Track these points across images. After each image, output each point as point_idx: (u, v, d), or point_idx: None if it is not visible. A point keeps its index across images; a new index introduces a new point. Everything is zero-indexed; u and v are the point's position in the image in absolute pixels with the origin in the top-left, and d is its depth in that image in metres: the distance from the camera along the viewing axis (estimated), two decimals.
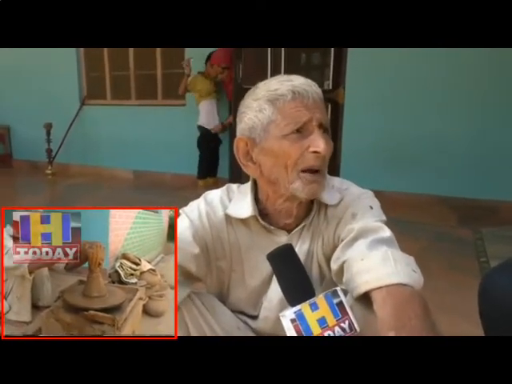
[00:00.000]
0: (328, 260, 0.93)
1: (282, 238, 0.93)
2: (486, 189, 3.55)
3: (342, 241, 0.88)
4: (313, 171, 0.86)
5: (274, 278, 0.92)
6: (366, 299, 0.78)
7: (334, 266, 0.88)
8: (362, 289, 0.78)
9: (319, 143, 0.83)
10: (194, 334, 0.94)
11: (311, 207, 0.95)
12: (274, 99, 0.85)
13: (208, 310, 0.97)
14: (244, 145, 0.90)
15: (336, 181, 0.97)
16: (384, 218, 0.92)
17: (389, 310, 0.72)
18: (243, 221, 0.94)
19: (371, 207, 0.91)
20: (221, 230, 0.95)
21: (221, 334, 0.96)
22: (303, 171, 0.86)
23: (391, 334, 0.68)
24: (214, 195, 0.98)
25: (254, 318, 1.02)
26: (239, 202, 0.95)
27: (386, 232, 0.87)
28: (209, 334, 0.95)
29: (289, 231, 0.94)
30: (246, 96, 0.92)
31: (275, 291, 0.93)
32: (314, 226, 0.95)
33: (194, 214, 0.94)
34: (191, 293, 0.95)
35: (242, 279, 0.98)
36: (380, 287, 0.76)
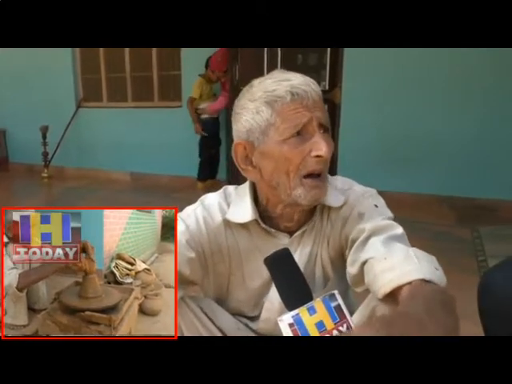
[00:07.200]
0: (333, 261, 0.92)
1: (284, 241, 0.92)
2: (484, 188, 3.56)
3: (353, 241, 0.86)
4: (315, 176, 0.83)
5: None
6: (391, 299, 0.74)
7: (352, 269, 0.84)
8: (388, 288, 0.74)
9: (321, 146, 0.80)
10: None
11: (313, 210, 0.93)
12: (272, 101, 0.81)
13: (205, 314, 0.96)
14: (242, 149, 0.87)
15: (339, 181, 0.95)
16: (390, 214, 0.90)
17: (420, 304, 0.67)
18: (243, 224, 0.92)
19: (376, 206, 0.89)
20: (219, 235, 0.93)
21: (219, 336, 0.95)
22: (305, 177, 0.83)
23: (424, 330, 0.60)
24: (212, 200, 0.96)
25: (255, 318, 1.00)
26: (238, 205, 0.93)
27: (399, 229, 0.85)
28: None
29: (290, 234, 0.93)
30: (240, 95, 0.89)
31: (276, 292, 0.93)
32: (317, 228, 0.93)
33: (190, 220, 0.92)
34: (186, 297, 0.94)
35: (242, 282, 0.97)
36: (405, 284, 0.72)
